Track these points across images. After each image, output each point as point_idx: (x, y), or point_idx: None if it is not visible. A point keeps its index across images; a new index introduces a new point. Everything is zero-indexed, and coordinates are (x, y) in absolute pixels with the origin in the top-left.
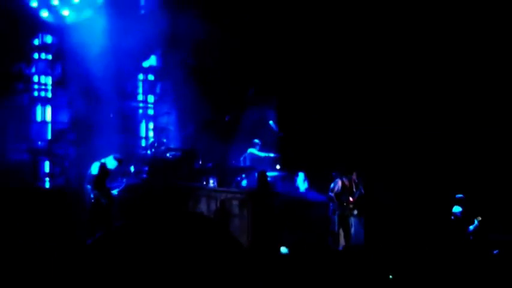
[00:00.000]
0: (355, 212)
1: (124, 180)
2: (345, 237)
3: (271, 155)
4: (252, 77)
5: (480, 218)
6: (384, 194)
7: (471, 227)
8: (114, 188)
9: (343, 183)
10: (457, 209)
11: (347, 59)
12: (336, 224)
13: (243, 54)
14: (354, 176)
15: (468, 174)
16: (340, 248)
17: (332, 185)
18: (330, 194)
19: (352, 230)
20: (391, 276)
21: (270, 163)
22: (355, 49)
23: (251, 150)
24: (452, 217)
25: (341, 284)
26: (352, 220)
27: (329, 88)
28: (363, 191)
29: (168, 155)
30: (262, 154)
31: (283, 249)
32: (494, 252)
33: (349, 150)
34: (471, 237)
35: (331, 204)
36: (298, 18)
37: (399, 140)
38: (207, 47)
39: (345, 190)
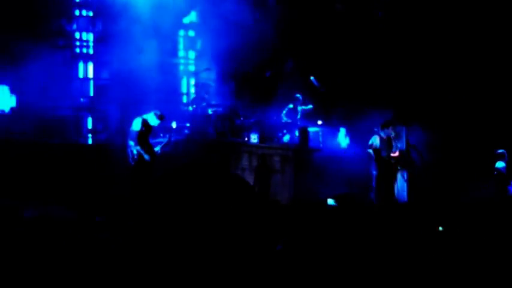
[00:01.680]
0: (398, 167)
1: (167, 136)
2: (387, 192)
3: (310, 106)
4: (293, 34)
5: None
6: (427, 148)
7: None
8: (156, 145)
9: (381, 138)
10: (500, 164)
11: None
12: (376, 179)
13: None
14: (391, 130)
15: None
16: (383, 202)
17: (370, 141)
18: (369, 149)
19: (395, 185)
20: (440, 228)
21: (312, 118)
22: None
23: (291, 105)
24: (495, 172)
25: (386, 237)
26: (395, 175)
27: (368, 45)
28: (399, 145)
29: (209, 111)
30: (301, 108)
31: (330, 201)
32: None
33: (392, 104)
34: None
35: (371, 159)
36: None
37: (442, 94)
38: (249, 4)
39: (384, 145)
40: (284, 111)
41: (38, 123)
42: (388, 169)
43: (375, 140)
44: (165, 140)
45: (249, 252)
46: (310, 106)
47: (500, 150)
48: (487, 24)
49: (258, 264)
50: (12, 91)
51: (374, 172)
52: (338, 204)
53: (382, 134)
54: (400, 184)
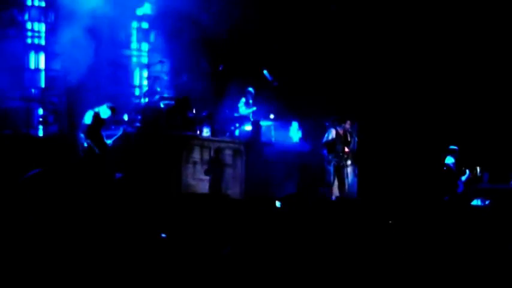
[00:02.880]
0: (349, 162)
1: (120, 128)
2: (339, 187)
3: (254, 108)
4: (245, 28)
5: (473, 169)
6: (378, 144)
7: (463, 178)
8: (108, 137)
9: (337, 132)
10: (449, 159)
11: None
12: (332, 174)
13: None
14: (348, 125)
15: (462, 126)
16: (333, 198)
17: (326, 135)
18: (324, 143)
19: (346, 180)
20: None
21: (264, 112)
22: None
23: (243, 100)
24: (445, 168)
25: (337, 233)
26: (346, 170)
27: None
28: (356, 139)
29: (161, 104)
30: (245, 109)
31: (278, 203)
32: (486, 202)
33: (344, 99)
34: (462, 187)
35: (325, 154)
36: None
37: (394, 89)
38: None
39: (339, 140)
40: (241, 103)
41: None
42: (341, 164)
43: (331, 134)
44: (118, 132)
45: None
46: (254, 108)
47: (452, 147)
48: (435, 21)
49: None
50: None
51: (329, 167)
52: (284, 206)
53: (338, 129)
54: (351, 179)
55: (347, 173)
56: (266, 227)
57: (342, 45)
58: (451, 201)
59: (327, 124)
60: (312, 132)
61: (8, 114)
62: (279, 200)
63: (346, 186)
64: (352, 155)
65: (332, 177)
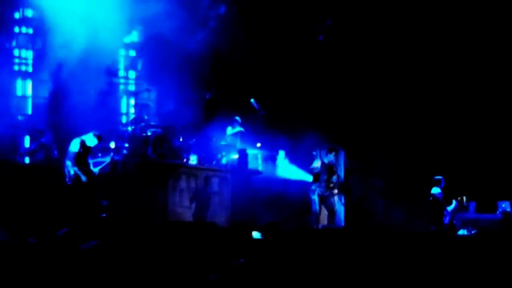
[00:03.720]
0: (335, 191)
1: (107, 156)
2: (328, 216)
3: (240, 128)
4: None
5: (460, 198)
6: (366, 174)
7: (449, 208)
8: (96, 165)
9: (323, 162)
10: (435, 190)
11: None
12: (317, 203)
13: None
14: (333, 157)
15: (447, 158)
16: (320, 227)
17: (312, 165)
18: (311, 173)
19: (333, 210)
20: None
21: (251, 141)
22: None
23: (229, 128)
24: (431, 198)
25: (322, 262)
26: (332, 200)
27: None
28: (341, 173)
29: (148, 131)
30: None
31: (256, 234)
32: (472, 232)
33: (331, 129)
34: (449, 217)
35: (311, 183)
36: None
37: (381, 119)
38: (190, 25)
39: (325, 170)
40: (229, 132)
41: None
42: (326, 194)
43: (317, 164)
44: (105, 160)
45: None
46: (240, 129)
47: (437, 177)
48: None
49: None
50: None
51: (314, 196)
52: (266, 235)
53: (325, 160)
54: (337, 208)
55: (333, 203)
56: (248, 255)
57: (328, 75)
58: (438, 231)
59: (315, 153)
60: (298, 162)
61: None
62: (257, 230)
63: (333, 215)
64: (339, 185)
65: (317, 207)
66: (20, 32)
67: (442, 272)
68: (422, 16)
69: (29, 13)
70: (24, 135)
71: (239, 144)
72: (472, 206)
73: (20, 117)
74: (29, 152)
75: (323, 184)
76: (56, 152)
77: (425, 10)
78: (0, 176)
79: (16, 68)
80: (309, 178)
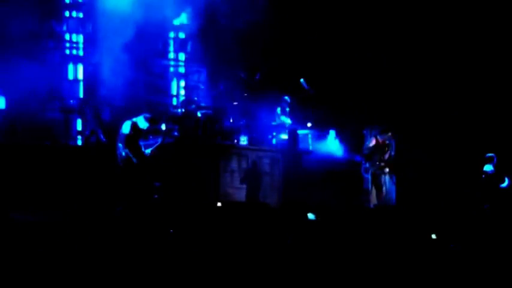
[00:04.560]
0: (387, 170)
1: (158, 139)
2: (377, 195)
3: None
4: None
5: None
6: (417, 153)
7: (503, 185)
8: (147, 147)
9: (377, 141)
10: (488, 167)
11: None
12: (369, 182)
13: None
14: (389, 135)
15: (499, 133)
16: (372, 206)
17: (366, 143)
18: (364, 151)
19: (384, 188)
20: (434, 236)
21: (301, 121)
22: None
23: (279, 109)
24: (483, 175)
25: (374, 242)
26: (383, 178)
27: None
28: (393, 152)
29: (198, 113)
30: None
31: (310, 216)
32: None
33: (382, 108)
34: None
35: (363, 162)
36: None
37: (432, 98)
38: (239, 6)
39: (378, 149)
40: (277, 112)
41: (28, 125)
42: (378, 172)
43: (371, 143)
44: (156, 142)
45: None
46: (289, 121)
47: (489, 154)
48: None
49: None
50: (1, 92)
51: (367, 175)
52: (319, 215)
53: (379, 138)
54: (389, 187)
55: (385, 181)
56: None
57: (382, 55)
58: (491, 209)
59: (365, 132)
60: (349, 141)
61: (48, 125)
62: (312, 212)
63: (384, 194)
64: (390, 164)
65: (370, 185)
66: (70, 16)
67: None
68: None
69: None
70: (76, 118)
71: (290, 125)
72: None
73: (72, 101)
74: (82, 135)
75: (375, 163)
76: (102, 136)
77: None
78: (53, 159)
79: (67, 52)
80: (361, 157)
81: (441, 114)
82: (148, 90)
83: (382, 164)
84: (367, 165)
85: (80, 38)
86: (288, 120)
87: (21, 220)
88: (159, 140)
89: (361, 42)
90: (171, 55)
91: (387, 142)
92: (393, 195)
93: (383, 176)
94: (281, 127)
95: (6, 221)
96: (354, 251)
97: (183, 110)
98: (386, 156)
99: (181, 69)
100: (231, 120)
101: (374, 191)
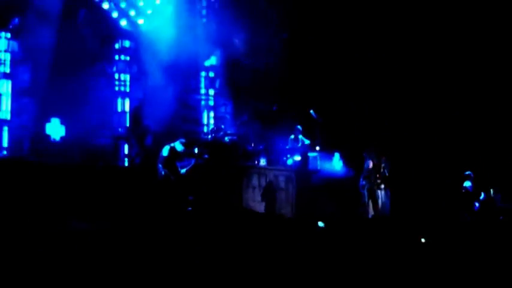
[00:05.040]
0: (382, 186)
1: (192, 161)
2: (373, 207)
3: (307, 141)
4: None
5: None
6: (407, 172)
7: (480, 197)
8: (182, 167)
9: (374, 162)
10: (467, 183)
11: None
12: (366, 196)
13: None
14: (383, 159)
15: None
16: (370, 216)
17: (366, 165)
18: (365, 173)
19: (379, 201)
20: (423, 240)
21: (311, 145)
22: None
23: (292, 136)
24: (464, 190)
25: (372, 247)
26: (379, 193)
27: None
28: (387, 173)
29: (226, 139)
30: (301, 138)
31: (320, 224)
32: (500, 218)
33: (378, 134)
34: (479, 207)
35: (361, 180)
36: None
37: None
38: (257, 51)
39: (375, 169)
40: (291, 138)
41: (84, 150)
42: (374, 188)
43: (369, 165)
44: (190, 163)
45: None
46: (308, 141)
47: (467, 172)
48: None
49: None
50: (62, 122)
51: (363, 191)
52: (327, 223)
53: (375, 160)
54: (384, 201)
55: (380, 196)
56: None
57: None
58: (471, 218)
59: (365, 155)
60: (351, 162)
61: (100, 150)
62: (321, 221)
63: (380, 206)
64: (385, 180)
65: (366, 199)
66: (119, 59)
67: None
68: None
69: (126, 44)
70: (124, 144)
71: (301, 148)
72: (498, 197)
73: (120, 129)
74: (129, 157)
75: (372, 180)
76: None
77: None
78: (105, 177)
79: (116, 88)
80: (360, 176)
81: (429, 138)
82: (183, 120)
83: (378, 181)
84: (364, 183)
85: (127, 77)
86: (306, 141)
87: (80, 228)
88: (193, 162)
89: (357, 70)
90: (203, 91)
91: (382, 164)
92: (387, 207)
93: (379, 191)
94: (294, 150)
95: (67, 229)
96: (356, 253)
97: (213, 137)
98: (381, 174)
99: (211, 102)
100: (252, 145)
101: (371, 204)
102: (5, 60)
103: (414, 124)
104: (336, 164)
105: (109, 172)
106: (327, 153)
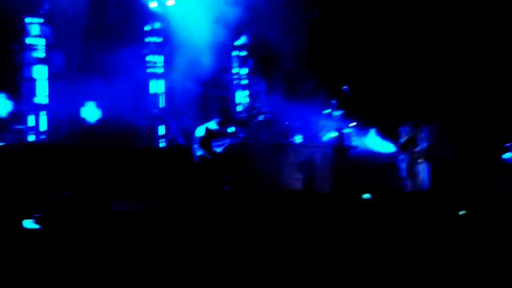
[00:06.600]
0: (420, 160)
1: (228, 140)
2: (412, 182)
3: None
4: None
5: None
6: (448, 144)
7: None
8: (218, 147)
9: (410, 135)
10: (507, 155)
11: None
12: (404, 171)
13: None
14: (420, 133)
15: None
16: (409, 190)
17: (402, 138)
18: (400, 144)
19: (418, 176)
20: (462, 212)
21: (346, 121)
22: None
23: (328, 111)
24: (503, 161)
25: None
26: (418, 167)
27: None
28: (424, 145)
29: (260, 117)
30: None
31: (366, 195)
32: None
33: (415, 107)
34: None
35: (399, 154)
36: None
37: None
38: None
39: (411, 142)
40: (326, 114)
41: (120, 132)
42: (412, 162)
43: (404, 138)
44: (226, 143)
45: None
46: (343, 117)
47: (508, 144)
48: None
49: None
50: (98, 105)
51: (402, 165)
52: (372, 198)
53: (412, 134)
54: (423, 175)
55: (419, 170)
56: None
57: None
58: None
59: (401, 129)
60: (387, 137)
61: (136, 131)
62: (367, 193)
63: (418, 181)
64: (423, 154)
65: (405, 174)
66: (151, 41)
67: None
68: None
69: (157, 25)
70: (159, 125)
71: (337, 124)
72: None
73: (155, 111)
74: (164, 138)
75: (410, 154)
76: (181, 139)
77: None
78: (142, 159)
79: (149, 70)
80: (397, 150)
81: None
82: (217, 99)
83: (416, 155)
84: (402, 156)
85: (160, 59)
86: (341, 117)
87: (119, 210)
88: (228, 141)
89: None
90: (235, 70)
91: (419, 136)
92: (426, 181)
93: (417, 165)
94: (330, 127)
95: (107, 212)
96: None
97: (247, 115)
98: (419, 148)
99: (244, 82)
100: (287, 122)
101: (410, 179)
102: (39, 46)
103: (453, 96)
104: (373, 139)
105: (146, 153)
106: (363, 129)
